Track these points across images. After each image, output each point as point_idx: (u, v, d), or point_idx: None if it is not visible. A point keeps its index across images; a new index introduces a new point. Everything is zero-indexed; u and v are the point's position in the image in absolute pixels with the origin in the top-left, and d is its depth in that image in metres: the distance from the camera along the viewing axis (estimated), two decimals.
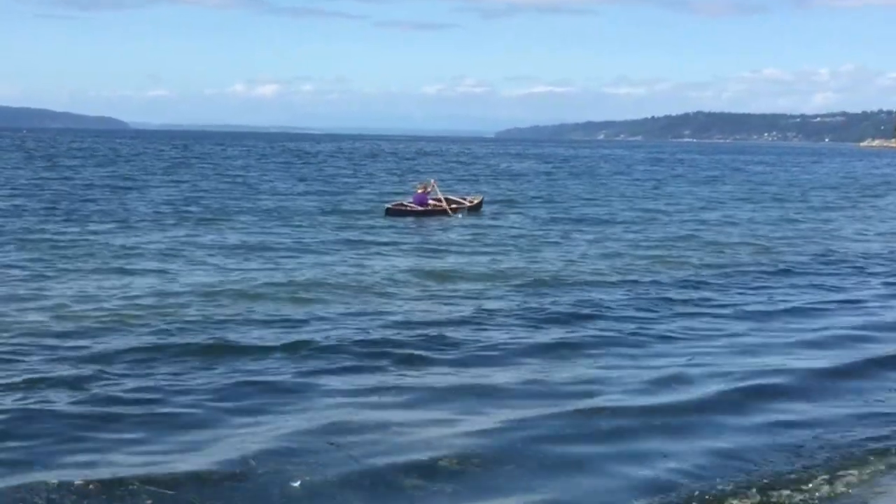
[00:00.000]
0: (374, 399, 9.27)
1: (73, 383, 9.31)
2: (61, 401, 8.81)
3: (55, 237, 21.50)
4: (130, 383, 9.46)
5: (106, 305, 13.48)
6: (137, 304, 13.63)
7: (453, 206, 30.09)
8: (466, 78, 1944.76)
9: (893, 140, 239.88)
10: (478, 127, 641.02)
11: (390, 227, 26.13)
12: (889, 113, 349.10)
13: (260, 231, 24.32)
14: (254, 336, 11.83)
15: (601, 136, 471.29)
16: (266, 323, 12.58)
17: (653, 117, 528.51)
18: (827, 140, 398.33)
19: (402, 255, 20.41)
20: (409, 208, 29.33)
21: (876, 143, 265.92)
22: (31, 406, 8.57)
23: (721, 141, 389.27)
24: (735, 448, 8.13)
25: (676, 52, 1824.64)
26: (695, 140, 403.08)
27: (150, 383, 9.50)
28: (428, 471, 7.35)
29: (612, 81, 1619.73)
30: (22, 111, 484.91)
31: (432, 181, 32.07)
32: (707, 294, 15.92)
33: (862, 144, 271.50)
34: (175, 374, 9.92)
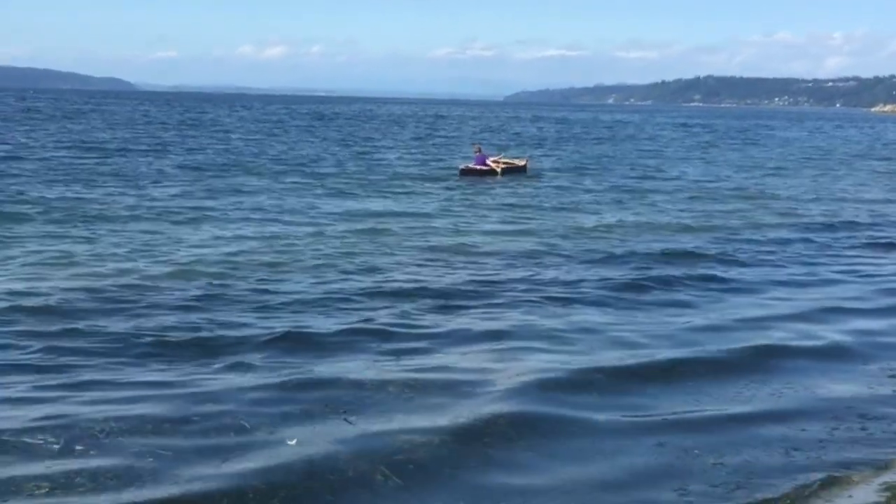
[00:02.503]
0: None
1: None
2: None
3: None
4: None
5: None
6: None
7: (504, 166, 32.68)
8: (476, 41, 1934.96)
9: None
10: (487, 90, 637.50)
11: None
12: None
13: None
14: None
15: (610, 100, 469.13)
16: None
17: (663, 81, 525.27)
18: (838, 105, 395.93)
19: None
20: (477, 169, 32.04)
21: (888, 108, 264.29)
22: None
23: (731, 106, 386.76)
24: None
25: (690, 14, 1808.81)
26: (704, 105, 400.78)
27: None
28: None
29: (623, 45, 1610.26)
30: (28, 71, 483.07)
31: (477, 145, 35.64)
32: None
33: (874, 109, 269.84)
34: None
